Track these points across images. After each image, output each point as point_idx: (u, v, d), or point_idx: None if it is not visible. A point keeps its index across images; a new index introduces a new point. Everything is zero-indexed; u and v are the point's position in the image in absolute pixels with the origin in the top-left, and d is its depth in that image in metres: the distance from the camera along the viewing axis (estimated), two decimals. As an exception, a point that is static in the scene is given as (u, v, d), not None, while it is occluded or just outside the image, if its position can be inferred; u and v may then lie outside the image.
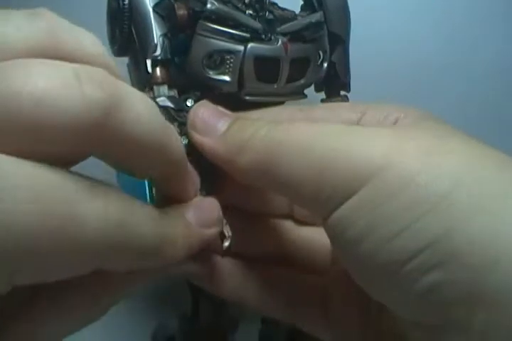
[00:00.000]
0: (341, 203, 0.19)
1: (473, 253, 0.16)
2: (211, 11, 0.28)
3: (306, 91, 0.33)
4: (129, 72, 0.31)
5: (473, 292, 0.16)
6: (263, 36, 0.29)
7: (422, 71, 0.45)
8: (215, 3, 0.28)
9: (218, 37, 0.28)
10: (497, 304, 0.16)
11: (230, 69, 0.28)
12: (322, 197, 0.20)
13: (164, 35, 0.28)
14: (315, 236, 0.28)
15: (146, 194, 0.26)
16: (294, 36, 0.30)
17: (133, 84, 0.30)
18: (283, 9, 0.32)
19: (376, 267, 0.18)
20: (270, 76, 0.29)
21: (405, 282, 0.18)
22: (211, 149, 0.24)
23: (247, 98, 0.29)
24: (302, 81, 0.30)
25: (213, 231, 0.23)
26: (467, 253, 0.16)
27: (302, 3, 0.34)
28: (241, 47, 0.28)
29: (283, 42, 0.29)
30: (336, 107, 0.26)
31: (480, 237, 0.16)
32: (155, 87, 0.28)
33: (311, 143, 0.21)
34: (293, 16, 0.31)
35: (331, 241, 0.22)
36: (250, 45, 0.28)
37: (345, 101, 0.35)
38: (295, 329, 0.30)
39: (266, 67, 0.29)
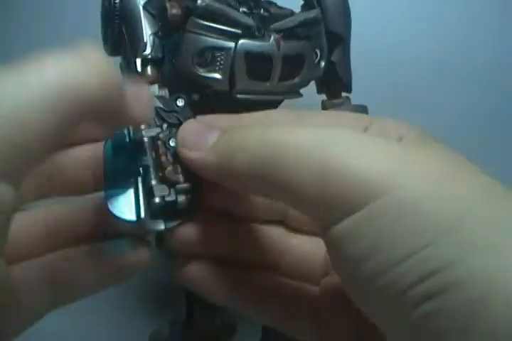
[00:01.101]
0: (344, 217, 0.18)
1: (473, 285, 0.16)
2: (202, 8, 0.27)
3: (308, 93, 0.33)
4: (122, 71, 0.30)
5: (469, 323, 0.16)
6: (256, 33, 0.28)
7: (420, 71, 0.45)
8: (206, 0, 0.28)
9: (209, 34, 0.28)
10: (491, 338, 0.16)
11: (221, 67, 0.28)
12: (323, 206, 0.19)
13: (155, 34, 0.28)
14: (307, 246, 0.27)
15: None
16: (288, 33, 0.29)
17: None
18: (280, 8, 0.32)
19: (375, 289, 0.18)
20: (262, 74, 0.28)
21: (403, 307, 0.17)
22: (202, 162, 0.23)
23: (239, 96, 0.28)
24: (296, 79, 0.29)
25: None
26: (467, 285, 0.16)
27: (303, 3, 0.34)
28: (232, 44, 0.28)
29: (275, 39, 0.28)
30: (339, 116, 0.25)
31: (482, 270, 0.16)
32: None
33: (314, 148, 0.19)
34: (289, 14, 0.30)
35: (329, 255, 0.20)
36: (241, 41, 0.28)
37: (347, 103, 0.35)
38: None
39: (258, 65, 0.28)
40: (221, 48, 0.28)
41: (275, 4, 0.33)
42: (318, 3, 0.32)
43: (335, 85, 0.34)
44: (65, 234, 0.26)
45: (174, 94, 0.28)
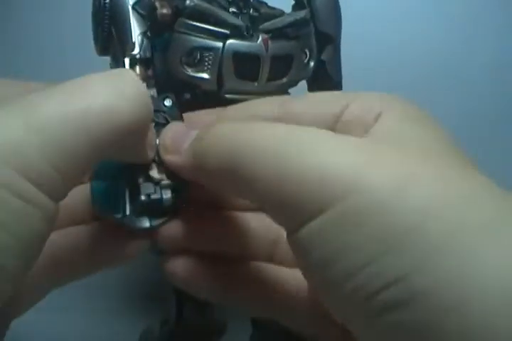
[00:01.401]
0: (308, 220, 0.18)
1: (438, 294, 0.15)
2: (190, 8, 0.28)
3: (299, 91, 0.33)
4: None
5: (435, 333, 0.15)
6: (244, 33, 0.28)
7: (418, 71, 0.45)
8: (195, 0, 0.28)
9: (197, 34, 0.28)
10: None
11: (209, 67, 0.28)
12: (286, 208, 0.18)
13: (143, 34, 0.28)
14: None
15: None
16: (277, 33, 0.29)
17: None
18: (271, 8, 0.32)
19: (341, 295, 0.17)
20: (250, 73, 0.29)
21: (368, 315, 0.17)
22: (180, 164, 0.24)
23: (227, 96, 0.29)
24: (284, 79, 0.30)
25: None
26: (432, 293, 0.15)
27: (293, 3, 0.34)
28: (220, 44, 0.28)
29: (263, 39, 0.28)
30: (317, 100, 0.25)
31: (447, 277, 0.15)
32: None
33: (275, 147, 0.19)
34: (280, 14, 0.30)
35: (296, 258, 0.20)
36: (229, 41, 0.28)
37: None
38: (288, 333, 0.29)
39: (246, 65, 0.28)
40: (209, 48, 0.28)
41: (266, 4, 0.33)
42: (309, 3, 0.32)
43: (325, 84, 0.34)
44: (65, 214, 0.26)
45: (162, 93, 0.28)
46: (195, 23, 0.28)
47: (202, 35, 0.28)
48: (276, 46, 0.29)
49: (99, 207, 0.26)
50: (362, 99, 0.23)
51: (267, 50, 0.28)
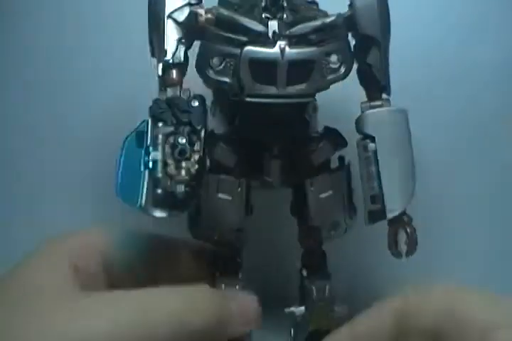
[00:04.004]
0: None
1: None
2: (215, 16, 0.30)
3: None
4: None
5: None
6: (268, 39, 0.30)
7: (422, 72, 0.44)
8: (219, 8, 0.30)
9: (220, 41, 0.30)
10: None
11: (230, 72, 0.30)
12: None
13: (178, 40, 0.31)
14: None
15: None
16: (300, 39, 0.30)
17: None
18: (315, 10, 0.33)
19: None
20: (269, 78, 0.30)
21: None
22: None
23: (248, 99, 0.30)
24: (305, 84, 0.30)
25: None
26: None
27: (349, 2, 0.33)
28: (238, 51, 0.29)
29: (280, 46, 0.29)
30: None
31: None
32: (168, 89, 0.31)
33: None
34: (313, 18, 0.31)
35: None
36: (246, 48, 0.29)
37: (387, 105, 0.34)
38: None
39: (264, 70, 0.29)
40: (229, 55, 0.30)
41: (315, 5, 0.33)
42: (350, 4, 0.32)
43: (373, 87, 0.33)
44: None
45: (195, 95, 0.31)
46: (218, 31, 0.30)
47: (224, 43, 0.30)
48: (295, 52, 0.29)
49: (121, 197, 0.30)
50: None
51: (282, 56, 0.29)
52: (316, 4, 0.34)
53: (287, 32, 0.30)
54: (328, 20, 0.30)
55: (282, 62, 0.29)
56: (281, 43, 0.29)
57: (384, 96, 0.34)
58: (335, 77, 0.31)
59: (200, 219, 0.34)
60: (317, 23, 0.30)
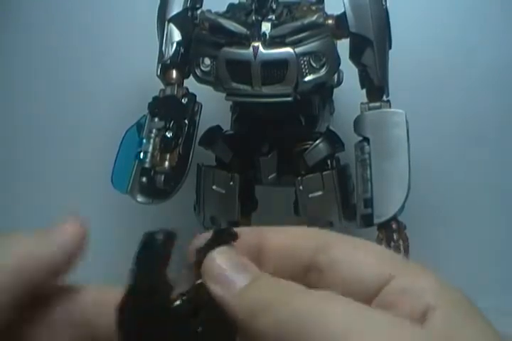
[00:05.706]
0: None
1: None
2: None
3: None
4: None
5: None
6: (245, 41, 0.31)
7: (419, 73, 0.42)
8: (205, 13, 0.32)
9: (204, 42, 0.32)
10: None
11: (213, 72, 0.32)
12: None
13: (177, 43, 0.33)
14: None
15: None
16: (279, 39, 0.30)
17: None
18: (311, 10, 0.33)
19: None
20: (244, 78, 0.31)
21: None
22: (227, 304, 0.22)
23: (227, 98, 0.32)
24: (281, 83, 0.31)
25: None
26: None
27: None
28: (216, 52, 0.31)
29: (253, 47, 0.30)
30: (363, 263, 0.23)
31: None
32: (166, 87, 0.34)
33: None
34: (300, 18, 0.31)
35: None
36: (223, 49, 0.31)
37: (386, 107, 0.33)
38: None
39: (240, 70, 0.31)
40: (210, 56, 0.31)
41: (320, 5, 0.33)
42: (343, 3, 0.31)
43: (370, 88, 0.33)
44: None
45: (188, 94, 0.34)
46: (202, 33, 0.32)
47: (207, 44, 0.32)
48: (267, 53, 0.30)
49: (113, 182, 0.34)
50: (410, 279, 0.22)
51: (255, 56, 0.30)
52: (321, 4, 0.34)
53: (270, 33, 0.31)
54: (307, 20, 0.30)
55: (255, 63, 0.30)
56: (254, 44, 0.30)
57: (384, 97, 0.33)
58: (315, 77, 0.31)
59: (199, 208, 0.36)
60: (297, 23, 0.30)
